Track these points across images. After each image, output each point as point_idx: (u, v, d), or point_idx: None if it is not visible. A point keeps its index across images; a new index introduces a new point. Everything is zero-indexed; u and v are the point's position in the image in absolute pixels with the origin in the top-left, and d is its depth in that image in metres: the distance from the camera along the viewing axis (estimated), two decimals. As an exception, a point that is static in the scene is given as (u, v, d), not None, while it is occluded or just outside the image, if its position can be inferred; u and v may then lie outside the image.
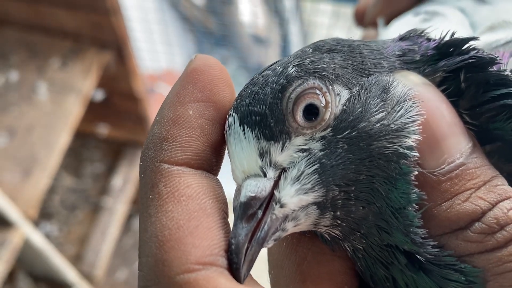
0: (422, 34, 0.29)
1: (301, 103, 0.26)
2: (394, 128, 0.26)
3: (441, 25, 0.31)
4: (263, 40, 1.72)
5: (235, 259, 0.24)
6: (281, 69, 0.27)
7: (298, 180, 0.26)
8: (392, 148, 0.26)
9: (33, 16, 1.34)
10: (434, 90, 0.27)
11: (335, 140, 0.26)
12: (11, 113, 1.25)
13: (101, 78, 1.36)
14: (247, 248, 0.25)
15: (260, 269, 0.30)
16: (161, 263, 0.23)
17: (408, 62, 0.28)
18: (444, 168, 0.25)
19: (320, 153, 0.26)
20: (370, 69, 0.28)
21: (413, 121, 0.26)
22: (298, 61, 0.27)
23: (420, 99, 0.26)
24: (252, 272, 0.26)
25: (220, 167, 0.28)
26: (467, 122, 0.27)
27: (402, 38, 0.30)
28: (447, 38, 0.28)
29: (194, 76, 0.27)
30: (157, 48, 1.70)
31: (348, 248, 0.28)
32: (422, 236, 0.26)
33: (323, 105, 0.26)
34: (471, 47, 0.27)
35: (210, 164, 0.27)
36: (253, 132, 0.26)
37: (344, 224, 0.27)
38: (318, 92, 0.26)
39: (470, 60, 0.27)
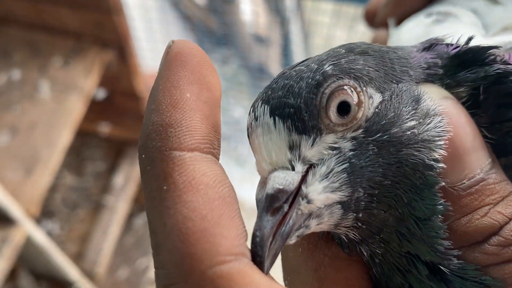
0: (443, 42, 0.29)
1: (335, 99, 0.26)
2: (423, 138, 0.26)
3: (454, 26, 0.31)
4: (264, 39, 1.72)
5: (259, 252, 0.23)
6: (316, 66, 0.27)
7: (326, 177, 0.26)
8: (420, 157, 0.26)
9: (36, 15, 1.34)
10: (459, 106, 0.27)
11: (366, 142, 0.26)
12: (13, 111, 1.26)
13: (103, 77, 1.36)
14: (271, 241, 0.24)
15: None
16: (188, 257, 0.22)
17: (432, 75, 0.28)
18: (464, 183, 0.26)
19: (350, 153, 0.26)
20: (399, 76, 0.28)
21: (440, 136, 0.26)
22: (334, 60, 0.27)
23: (447, 115, 0.26)
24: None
25: (220, 151, 0.26)
26: (485, 136, 0.27)
27: (425, 48, 0.30)
28: (466, 45, 0.28)
29: (181, 59, 0.26)
30: (158, 47, 1.71)
31: (364, 252, 0.28)
32: (447, 247, 0.26)
33: (356, 104, 0.26)
34: (493, 57, 0.27)
35: (215, 147, 0.26)
36: (285, 124, 0.26)
37: (365, 226, 0.27)
38: (352, 90, 0.26)
39: (496, 74, 0.27)
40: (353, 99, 0.26)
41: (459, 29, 0.29)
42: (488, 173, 0.26)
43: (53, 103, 1.27)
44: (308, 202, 0.25)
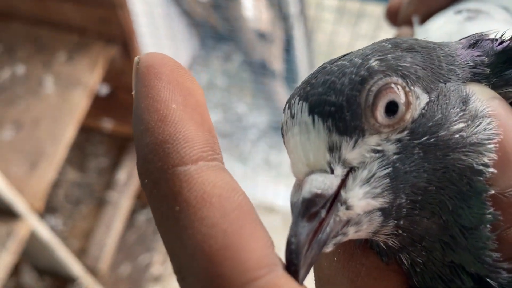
0: (488, 37, 0.28)
1: (383, 97, 0.24)
2: (472, 141, 0.24)
3: (487, 23, 0.30)
4: (267, 35, 1.72)
5: (295, 260, 0.22)
6: (360, 61, 0.25)
7: (368, 182, 0.24)
8: (468, 162, 0.24)
9: (40, 10, 1.34)
10: (508, 107, 0.26)
11: (412, 145, 0.24)
12: (17, 106, 1.26)
13: (106, 73, 1.37)
14: (307, 249, 0.23)
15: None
16: (218, 278, 0.20)
17: (479, 73, 0.27)
18: None
19: (394, 157, 0.24)
20: (446, 75, 0.26)
21: (490, 138, 0.24)
22: (380, 56, 0.25)
23: (495, 116, 0.25)
24: None
25: (221, 155, 0.25)
26: None
27: (471, 45, 0.28)
28: None
29: (154, 72, 0.24)
30: (162, 43, 1.71)
31: (405, 261, 0.26)
32: (495, 259, 0.24)
33: (404, 103, 0.24)
34: None
35: (217, 153, 0.24)
36: (325, 124, 0.24)
37: (405, 234, 0.25)
38: (400, 89, 0.24)
39: None
40: (401, 98, 0.24)
41: (492, 26, 0.27)
42: None
43: (57, 98, 1.27)
44: (347, 208, 0.24)
